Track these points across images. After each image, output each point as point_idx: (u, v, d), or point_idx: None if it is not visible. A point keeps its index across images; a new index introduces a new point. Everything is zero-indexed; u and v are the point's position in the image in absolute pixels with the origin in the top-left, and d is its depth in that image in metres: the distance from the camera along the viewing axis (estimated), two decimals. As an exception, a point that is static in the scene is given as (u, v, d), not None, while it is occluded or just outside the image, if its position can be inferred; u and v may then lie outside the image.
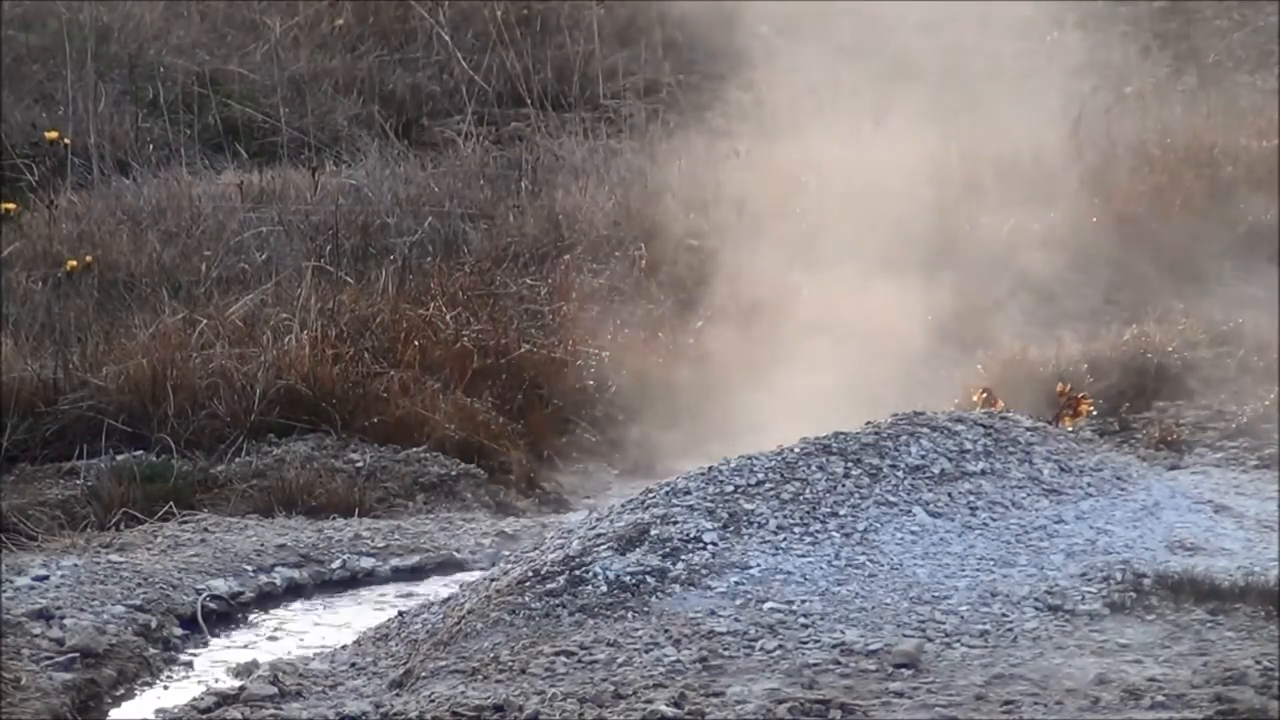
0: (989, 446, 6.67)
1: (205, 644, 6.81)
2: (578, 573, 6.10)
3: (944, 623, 5.82)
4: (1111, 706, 5.24)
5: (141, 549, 7.52)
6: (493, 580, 6.33)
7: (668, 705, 5.35)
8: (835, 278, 9.53)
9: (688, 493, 6.41)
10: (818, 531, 6.26)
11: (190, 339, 9.28)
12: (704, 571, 6.08)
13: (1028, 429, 6.87)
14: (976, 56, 12.36)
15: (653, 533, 6.23)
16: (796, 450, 6.56)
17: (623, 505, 6.52)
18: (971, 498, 6.46)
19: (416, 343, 9.43)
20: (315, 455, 8.74)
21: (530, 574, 6.16)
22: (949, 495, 6.45)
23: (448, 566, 7.69)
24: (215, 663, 6.57)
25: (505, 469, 8.91)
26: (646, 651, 5.69)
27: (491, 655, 5.79)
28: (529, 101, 13.76)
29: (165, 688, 6.36)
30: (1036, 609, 5.91)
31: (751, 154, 11.64)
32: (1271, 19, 14.53)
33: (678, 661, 5.63)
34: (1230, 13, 15.15)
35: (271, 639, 6.89)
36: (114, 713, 6.16)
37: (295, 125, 13.20)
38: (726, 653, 5.67)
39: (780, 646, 5.69)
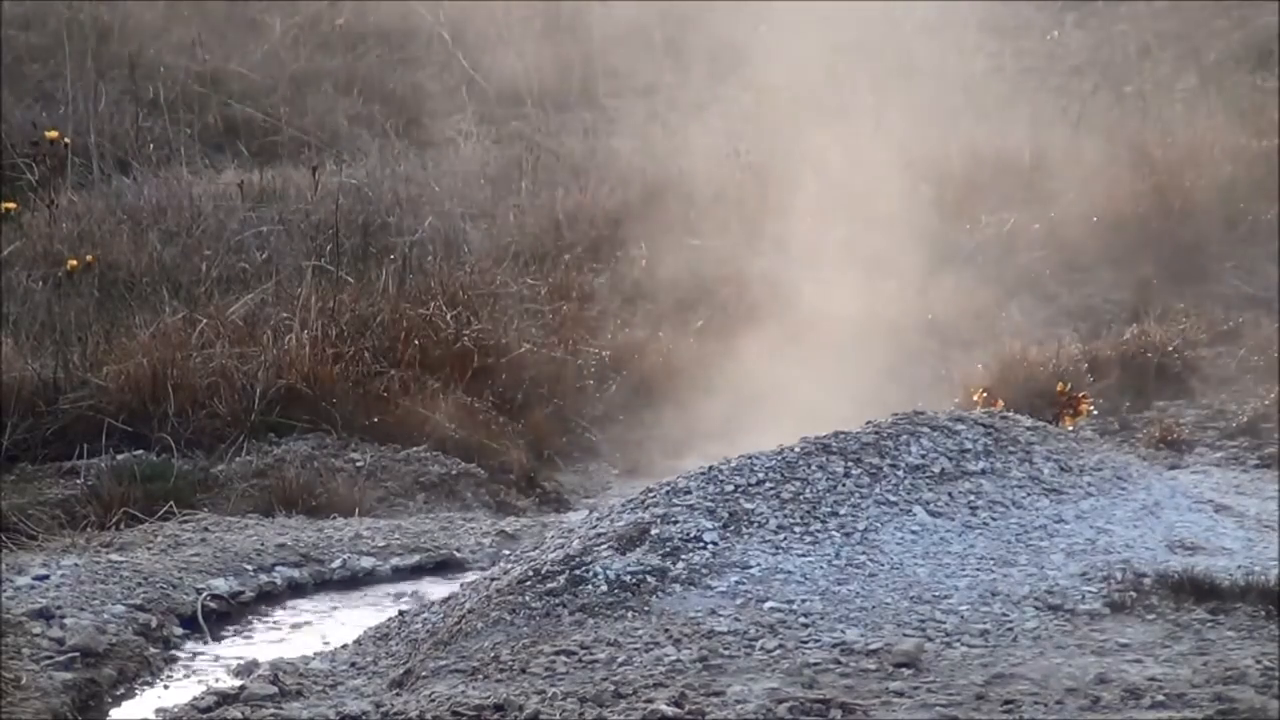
0: (989, 446, 6.68)
1: (205, 643, 6.81)
2: (578, 572, 6.11)
3: (944, 622, 5.82)
4: (1112, 706, 5.24)
5: (142, 548, 7.52)
6: (493, 580, 6.34)
7: (668, 705, 5.35)
8: (835, 277, 9.53)
9: (688, 492, 6.41)
10: (818, 531, 6.26)
11: (190, 338, 9.28)
12: (704, 571, 6.08)
13: (1028, 428, 6.88)
14: (977, 56, 12.37)
15: (653, 532, 6.23)
16: (797, 450, 6.56)
17: (623, 505, 6.53)
18: (972, 497, 6.46)
19: (417, 342, 9.44)
20: (315, 455, 8.74)
21: (530, 573, 6.16)
22: (949, 495, 6.45)
23: (448, 566, 7.69)
24: (215, 662, 6.57)
25: (505, 469, 8.92)
26: (647, 651, 5.70)
27: (492, 655, 5.79)
28: (529, 101, 13.77)
29: (165, 687, 6.36)
30: (1037, 608, 5.91)
31: (751, 153, 11.66)
32: (1271, 19, 14.55)
33: (678, 661, 5.63)
34: (1230, 13, 15.16)
35: (272, 638, 6.89)
36: (114, 712, 6.15)
37: (296, 124, 13.21)
38: (727, 652, 5.67)
39: (780, 646, 5.69)
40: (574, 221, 11.37)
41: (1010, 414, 7.07)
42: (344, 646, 6.38)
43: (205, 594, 7.11)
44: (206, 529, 7.87)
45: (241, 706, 5.76)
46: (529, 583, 6.11)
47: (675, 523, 6.26)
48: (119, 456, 8.60)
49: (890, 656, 5.59)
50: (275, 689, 5.87)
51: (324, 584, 7.52)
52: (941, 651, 5.64)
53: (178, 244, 10.88)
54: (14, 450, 8.75)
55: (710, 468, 6.54)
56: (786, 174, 10.69)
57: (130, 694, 6.30)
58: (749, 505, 6.33)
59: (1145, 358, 9.77)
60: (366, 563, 7.65)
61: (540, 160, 12.30)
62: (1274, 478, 8.06)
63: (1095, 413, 8.98)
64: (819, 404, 8.25)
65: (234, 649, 6.75)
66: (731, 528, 6.25)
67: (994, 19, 13.76)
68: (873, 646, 5.65)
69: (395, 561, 7.69)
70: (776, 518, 6.29)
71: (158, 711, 5.98)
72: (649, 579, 6.05)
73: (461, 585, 6.60)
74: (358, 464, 8.70)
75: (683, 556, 6.13)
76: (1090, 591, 5.99)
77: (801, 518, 6.30)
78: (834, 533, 6.26)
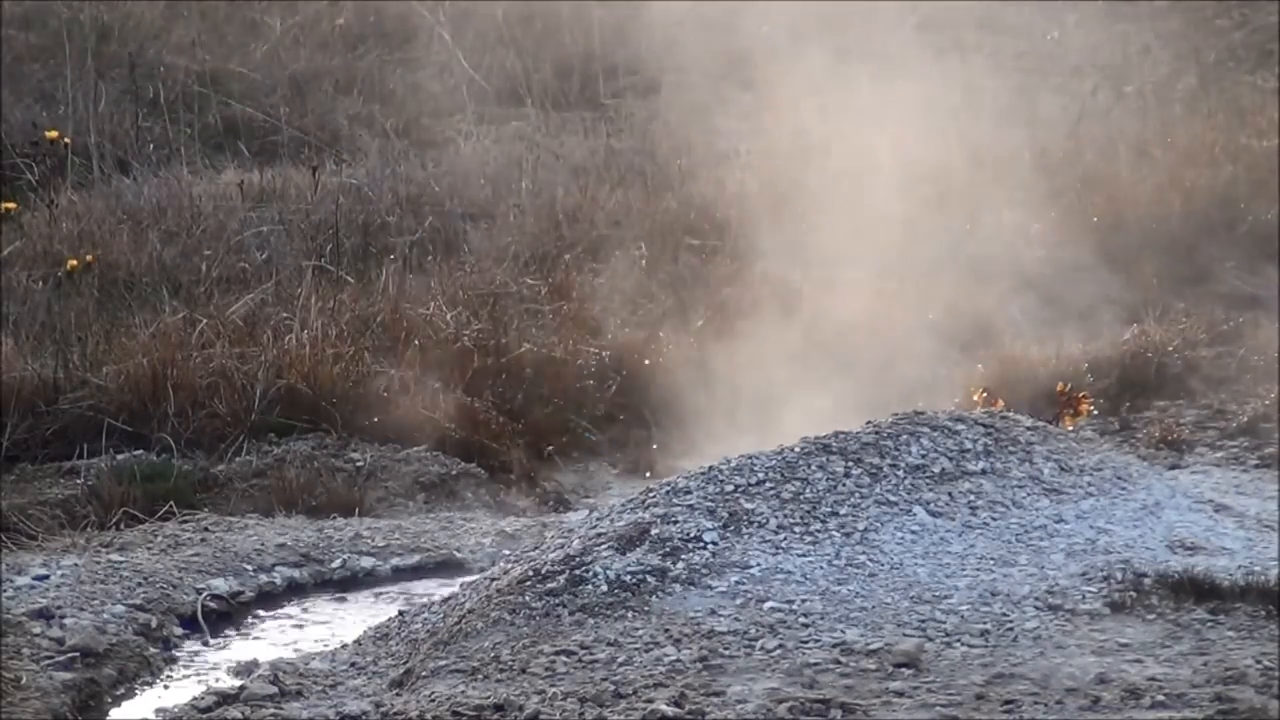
0: (989, 446, 6.68)
1: (205, 643, 6.81)
2: (578, 572, 6.10)
3: (944, 622, 5.82)
4: (1112, 706, 5.24)
5: (142, 548, 7.52)
6: (493, 580, 6.34)
7: (668, 704, 5.35)
8: (835, 277, 9.52)
9: (688, 492, 6.41)
10: (818, 531, 6.26)
11: (190, 338, 9.28)
12: (704, 571, 6.08)
13: (1028, 428, 6.87)
14: (977, 56, 12.35)
15: (653, 532, 6.23)
16: (797, 449, 6.56)
17: (623, 505, 6.53)
18: (972, 497, 6.46)
19: (417, 342, 9.43)
20: (315, 455, 8.74)
21: (531, 573, 6.16)
22: (949, 495, 6.45)
23: (448, 566, 7.69)
24: (215, 662, 6.58)
25: (505, 468, 8.91)
26: (647, 651, 5.70)
27: (492, 655, 5.79)
28: (529, 101, 13.77)
29: (165, 687, 6.36)
30: (1037, 608, 5.91)
31: (751, 153, 11.65)
32: (1271, 19, 14.54)
33: (678, 661, 5.63)
34: (1230, 13, 15.16)
35: (271, 638, 6.89)
36: (114, 712, 6.16)
37: (296, 124, 13.20)
38: (727, 652, 5.67)
39: (780, 646, 5.69)
40: (574, 221, 11.36)
41: (1010, 414, 7.06)
42: (344, 646, 6.38)
43: (205, 594, 7.11)
44: (206, 529, 7.87)
45: (241, 706, 5.76)
46: (529, 583, 6.11)
47: (675, 523, 6.26)
48: (119, 456, 8.60)
49: (890, 656, 5.59)
50: (275, 689, 5.87)
51: (324, 584, 7.52)
52: (941, 651, 5.64)
53: (178, 244, 10.88)
54: (14, 450, 8.75)
55: (710, 468, 6.54)
56: (786, 174, 10.69)
57: (130, 694, 6.30)
58: (749, 505, 6.33)
59: (1145, 358, 9.76)
60: (366, 563, 7.65)
61: (540, 160, 12.29)
62: (1274, 478, 8.05)
63: (1095, 413, 8.97)
64: (819, 403, 8.25)
65: (234, 649, 6.75)
66: (731, 528, 6.25)
67: (994, 18, 13.75)
68: (873, 646, 5.65)
69: (395, 561, 7.69)
70: (776, 518, 6.29)
71: (158, 711, 5.98)
72: (649, 579, 6.05)
73: (461, 585, 6.60)
74: (358, 464, 8.70)
75: (683, 556, 6.13)
76: (1090, 591, 5.99)
77: (801, 518, 6.30)
78: (834, 533, 6.26)
